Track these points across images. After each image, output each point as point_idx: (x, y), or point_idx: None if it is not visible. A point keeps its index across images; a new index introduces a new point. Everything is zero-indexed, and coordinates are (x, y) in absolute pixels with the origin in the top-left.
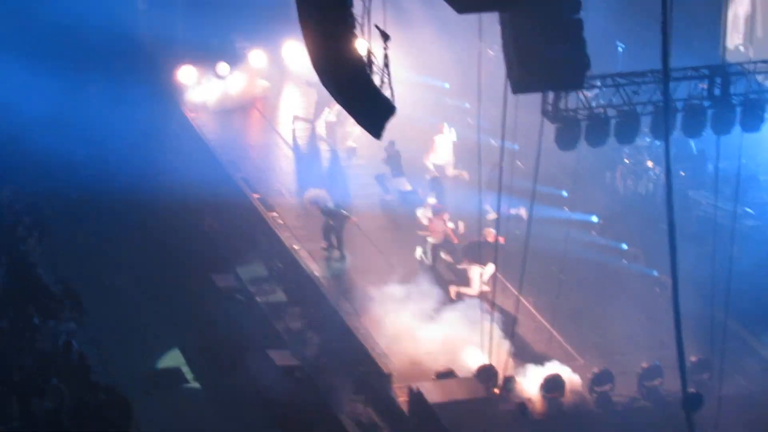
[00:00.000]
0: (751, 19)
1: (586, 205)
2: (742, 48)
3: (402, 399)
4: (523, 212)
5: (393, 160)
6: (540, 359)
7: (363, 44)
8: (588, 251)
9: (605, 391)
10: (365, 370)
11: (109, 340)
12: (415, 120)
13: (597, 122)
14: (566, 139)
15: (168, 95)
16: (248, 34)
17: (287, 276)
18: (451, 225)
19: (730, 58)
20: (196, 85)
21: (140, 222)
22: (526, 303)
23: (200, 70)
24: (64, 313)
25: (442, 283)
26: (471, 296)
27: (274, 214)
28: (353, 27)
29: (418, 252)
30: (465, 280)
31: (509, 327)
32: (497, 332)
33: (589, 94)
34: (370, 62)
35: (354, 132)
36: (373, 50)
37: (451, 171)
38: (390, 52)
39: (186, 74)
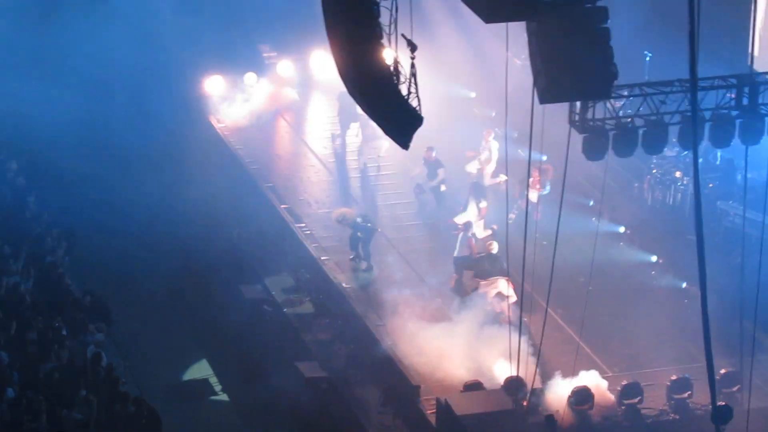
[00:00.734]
0: None
1: (614, 216)
2: None
3: (430, 411)
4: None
5: (430, 165)
6: (568, 371)
7: (390, 54)
8: (616, 262)
9: (634, 403)
10: (393, 382)
11: (138, 352)
12: (443, 130)
13: (625, 132)
14: (594, 150)
15: (195, 105)
16: (276, 44)
17: (315, 287)
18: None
19: (759, 67)
20: (223, 95)
21: (168, 233)
22: (553, 314)
23: (228, 81)
24: (93, 324)
25: (473, 294)
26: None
27: (302, 224)
28: (380, 37)
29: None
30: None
31: (537, 339)
32: (525, 344)
33: (617, 103)
34: (397, 72)
35: (383, 145)
36: (400, 60)
37: (489, 179)
38: (417, 62)
39: (213, 84)
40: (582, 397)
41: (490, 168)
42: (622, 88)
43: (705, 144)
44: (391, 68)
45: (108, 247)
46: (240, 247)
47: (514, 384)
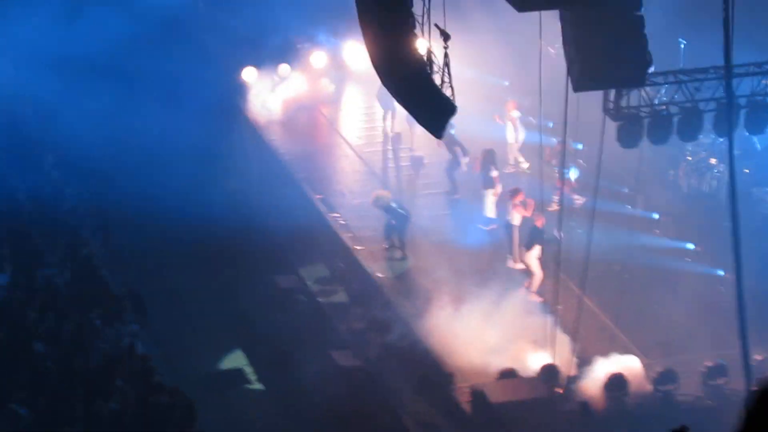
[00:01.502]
0: None
1: (649, 203)
2: None
3: (464, 399)
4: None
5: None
6: (603, 358)
7: (423, 44)
8: (651, 249)
9: (669, 390)
10: (427, 370)
11: (172, 342)
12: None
13: (659, 120)
14: (628, 137)
15: (229, 97)
16: (309, 35)
17: (349, 276)
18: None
19: None
20: (257, 86)
21: (202, 224)
22: (588, 302)
23: (261, 72)
24: (128, 315)
25: (507, 281)
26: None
27: (336, 214)
28: (413, 26)
29: None
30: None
31: (572, 326)
32: (560, 331)
33: (651, 91)
34: (430, 61)
35: (416, 132)
36: (433, 49)
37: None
38: (450, 51)
39: (248, 76)
40: (617, 383)
41: (517, 144)
42: (657, 75)
43: (740, 130)
44: (425, 58)
45: (143, 239)
46: (274, 237)
47: (549, 371)
